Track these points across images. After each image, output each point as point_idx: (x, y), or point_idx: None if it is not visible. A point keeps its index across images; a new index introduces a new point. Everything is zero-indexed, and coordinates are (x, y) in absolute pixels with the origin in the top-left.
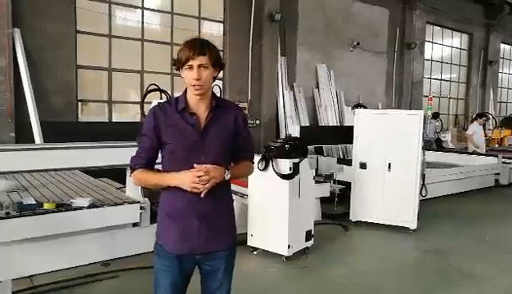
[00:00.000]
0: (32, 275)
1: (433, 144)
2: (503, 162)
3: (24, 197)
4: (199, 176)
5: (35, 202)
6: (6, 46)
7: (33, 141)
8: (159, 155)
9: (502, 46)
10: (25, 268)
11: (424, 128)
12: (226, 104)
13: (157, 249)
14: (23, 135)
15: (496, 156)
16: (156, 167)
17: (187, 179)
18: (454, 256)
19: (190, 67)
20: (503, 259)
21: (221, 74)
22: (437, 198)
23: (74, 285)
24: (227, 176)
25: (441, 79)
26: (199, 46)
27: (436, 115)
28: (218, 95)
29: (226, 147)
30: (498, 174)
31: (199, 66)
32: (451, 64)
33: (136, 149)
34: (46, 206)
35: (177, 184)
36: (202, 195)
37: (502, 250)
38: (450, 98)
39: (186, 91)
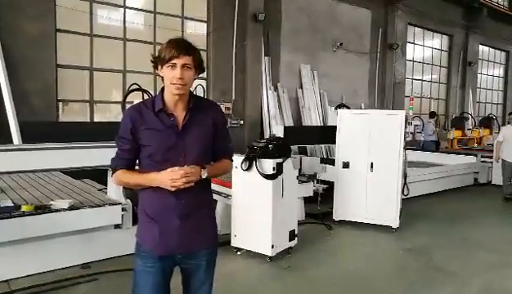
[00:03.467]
0: (9, 279)
1: (431, 145)
2: (482, 162)
3: (2, 199)
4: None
5: (12, 205)
6: None
7: (12, 142)
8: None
9: (481, 47)
10: (2, 272)
11: (422, 130)
12: (204, 104)
13: (137, 249)
14: (0, 136)
15: (475, 155)
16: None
17: (166, 178)
18: (435, 254)
19: (174, 65)
20: (481, 256)
21: (205, 74)
22: (419, 197)
23: (53, 288)
24: (204, 175)
25: (422, 80)
26: (185, 45)
27: (433, 114)
28: (202, 95)
29: (206, 147)
30: (477, 173)
31: (183, 66)
32: (432, 64)
33: (116, 150)
34: (24, 208)
35: (157, 185)
36: (173, 189)
37: (480, 247)
38: (431, 98)
39: (162, 90)
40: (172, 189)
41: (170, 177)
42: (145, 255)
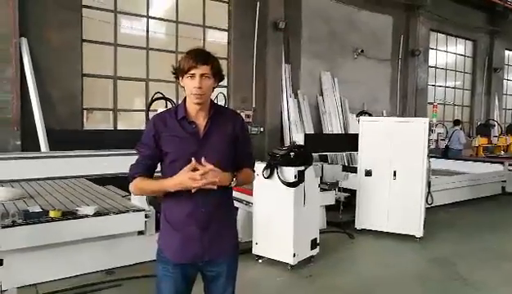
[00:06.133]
0: (37, 283)
1: (458, 154)
2: (509, 170)
3: (30, 205)
4: (197, 172)
5: (41, 210)
6: (13, 56)
7: (39, 149)
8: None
9: (507, 52)
10: (31, 276)
11: (447, 137)
12: (224, 112)
13: (159, 256)
14: (29, 144)
15: (502, 163)
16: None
17: (186, 177)
18: (459, 265)
19: (192, 75)
20: (507, 267)
21: (225, 83)
22: (443, 206)
23: (79, 293)
24: (233, 184)
25: (445, 86)
26: (202, 56)
27: (457, 122)
28: (223, 103)
29: (227, 154)
30: (504, 181)
31: (202, 75)
32: (456, 71)
33: (136, 157)
34: (51, 214)
35: (177, 187)
36: (193, 190)
37: (507, 258)
38: (455, 105)
39: (185, 99)
40: (193, 190)
41: (190, 176)
42: (167, 261)
